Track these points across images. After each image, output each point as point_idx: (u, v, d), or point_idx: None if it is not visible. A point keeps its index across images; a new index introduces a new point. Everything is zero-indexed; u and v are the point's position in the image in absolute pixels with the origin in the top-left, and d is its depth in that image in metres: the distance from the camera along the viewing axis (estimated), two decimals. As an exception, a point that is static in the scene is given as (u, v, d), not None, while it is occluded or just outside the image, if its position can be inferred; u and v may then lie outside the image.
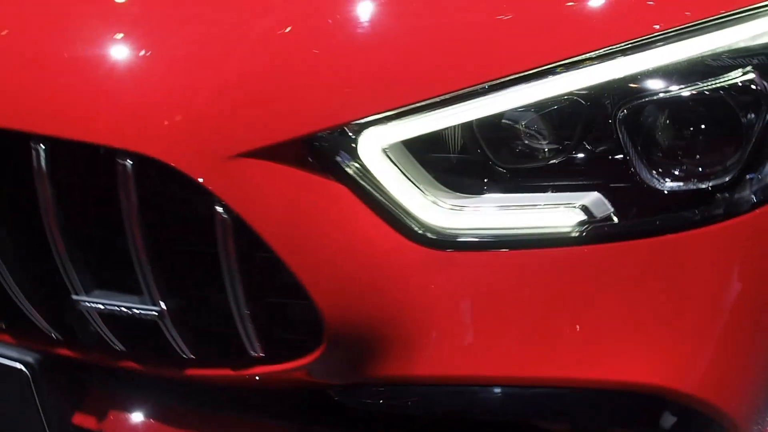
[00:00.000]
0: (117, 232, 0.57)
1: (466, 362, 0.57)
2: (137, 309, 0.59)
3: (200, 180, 0.51)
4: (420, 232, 0.54)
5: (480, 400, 0.58)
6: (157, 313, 0.59)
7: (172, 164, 0.51)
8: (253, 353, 0.61)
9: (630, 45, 0.53)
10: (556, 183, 0.56)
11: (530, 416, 0.59)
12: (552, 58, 0.53)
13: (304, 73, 0.53)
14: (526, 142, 0.55)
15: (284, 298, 0.59)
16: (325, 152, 0.53)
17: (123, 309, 0.60)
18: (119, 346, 0.65)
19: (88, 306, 0.61)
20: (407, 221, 0.54)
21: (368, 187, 0.54)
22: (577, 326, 0.56)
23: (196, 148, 0.52)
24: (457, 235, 0.55)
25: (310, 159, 0.53)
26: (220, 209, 0.53)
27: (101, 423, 0.72)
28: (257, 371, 0.62)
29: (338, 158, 0.53)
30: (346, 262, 0.54)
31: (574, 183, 0.55)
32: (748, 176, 0.54)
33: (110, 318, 0.63)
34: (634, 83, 0.53)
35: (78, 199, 0.58)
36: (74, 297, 0.61)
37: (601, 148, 0.54)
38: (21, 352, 0.70)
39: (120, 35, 0.57)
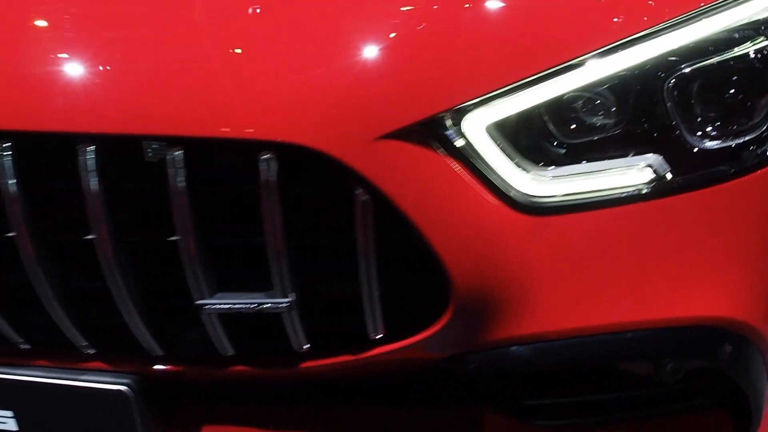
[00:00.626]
0: (251, 229, 0.60)
1: (569, 315, 0.65)
2: (267, 303, 0.62)
3: (348, 162, 0.56)
4: (520, 201, 0.62)
5: (586, 349, 0.66)
6: (287, 306, 0.62)
7: (323, 150, 0.56)
8: (373, 335, 0.65)
9: (670, 24, 0.64)
10: (620, 150, 0.66)
11: (623, 359, 0.68)
12: (612, 39, 0.63)
13: (428, 62, 0.60)
14: (593, 116, 0.65)
15: (414, 274, 0.64)
16: (441, 132, 0.60)
17: (251, 306, 0.63)
18: (230, 351, 0.67)
19: (215, 308, 0.63)
20: (509, 192, 0.62)
21: (475, 163, 0.61)
22: (655, 271, 0.66)
23: (343, 134, 0.57)
24: (550, 202, 0.64)
25: (430, 138, 0.60)
26: (360, 190, 0.58)
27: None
28: (375, 352, 0.66)
29: (451, 137, 0.60)
30: (467, 230, 0.61)
31: (635, 148, 0.66)
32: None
33: (225, 322, 0.65)
34: (675, 57, 0.64)
35: (210, 201, 0.60)
36: (199, 302, 0.62)
37: (653, 116, 0.65)
38: (115, 376, 0.70)
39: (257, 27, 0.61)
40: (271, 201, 0.58)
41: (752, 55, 0.65)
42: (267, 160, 0.57)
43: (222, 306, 0.63)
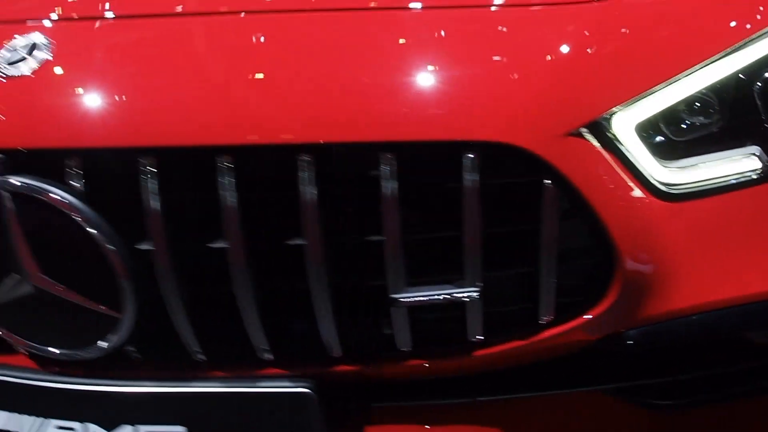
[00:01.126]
0: (442, 224, 0.66)
1: (709, 289, 0.74)
2: (457, 293, 0.67)
3: (542, 155, 0.64)
4: (662, 189, 0.71)
5: (730, 319, 0.75)
6: (477, 294, 0.67)
7: (523, 146, 0.63)
8: (545, 318, 0.72)
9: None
10: (731, 143, 0.76)
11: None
12: (722, 48, 0.74)
13: (595, 71, 0.69)
14: (705, 115, 0.75)
15: (585, 257, 0.71)
16: (602, 130, 0.69)
17: (442, 297, 0.68)
18: (409, 344, 0.72)
19: (409, 301, 0.67)
20: (653, 181, 0.71)
21: (629, 157, 0.70)
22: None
23: (538, 131, 0.64)
24: (682, 190, 0.73)
25: (597, 135, 0.68)
26: (549, 180, 0.65)
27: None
28: (545, 335, 0.72)
29: (609, 135, 0.69)
30: (628, 215, 0.69)
31: (742, 141, 0.76)
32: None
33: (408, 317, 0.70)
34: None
35: (409, 201, 0.66)
36: (394, 296, 0.67)
37: (750, 114, 0.76)
38: (294, 380, 0.73)
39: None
40: (472, 198, 0.64)
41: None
42: (471, 159, 0.64)
43: (415, 298, 0.68)
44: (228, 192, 0.64)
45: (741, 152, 0.75)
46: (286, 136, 0.64)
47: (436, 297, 0.68)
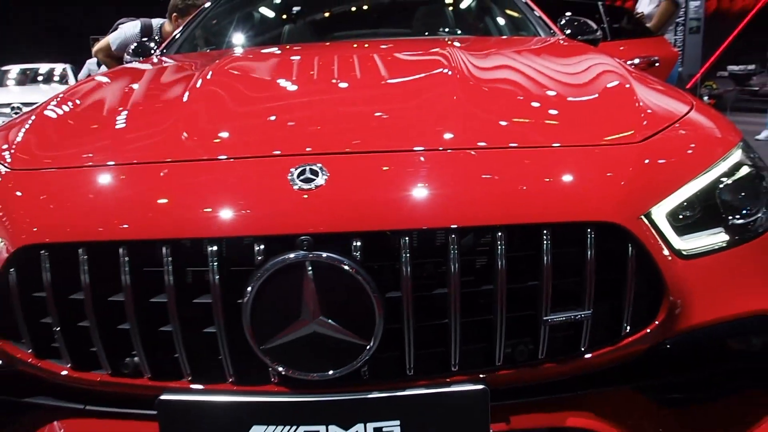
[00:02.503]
0: (574, 273, 1.10)
1: (717, 308, 1.21)
2: (581, 315, 1.10)
3: (631, 230, 1.10)
4: (680, 252, 1.19)
5: (722, 329, 1.22)
6: (590, 315, 1.10)
7: (622, 224, 1.09)
8: (624, 332, 1.15)
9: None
10: (705, 227, 1.25)
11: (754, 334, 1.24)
12: (701, 169, 1.26)
13: (647, 182, 1.17)
14: (689, 211, 1.25)
15: (645, 293, 1.16)
16: (650, 217, 1.16)
17: (577, 317, 1.10)
18: (543, 355, 1.13)
19: (553, 321, 1.09)
20: (675, 247, 1.18)
21: (663, 233, 1.17)
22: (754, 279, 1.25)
23: (631, 213, 1.10)
24: (690, 253, 1.21)
25: (647, 220, 1.15)
26: (632, 247, 1.11)
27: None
28: (626, 342, 1.14)
29: (653, 219, 1.16)
30: (668, 266, 1.16)
31: (711, 225, 1.26)
32: None
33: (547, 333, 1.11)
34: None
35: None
36: (545, 318, 1.08)
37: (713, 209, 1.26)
38: (473, 383, 1.11)
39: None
40: (591, 258, 1.09)
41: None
42: (590, 233, 1.09)
43: (557, 319, 1.10)
44: (452, 262, 1.04)
45: (713, 231, 1.25)
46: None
47: (569, 317, 1.10)
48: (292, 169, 1.11)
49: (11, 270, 1.13)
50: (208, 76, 1.65)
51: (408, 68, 1.78)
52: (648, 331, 1.16)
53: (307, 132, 1.28)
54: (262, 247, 1.04)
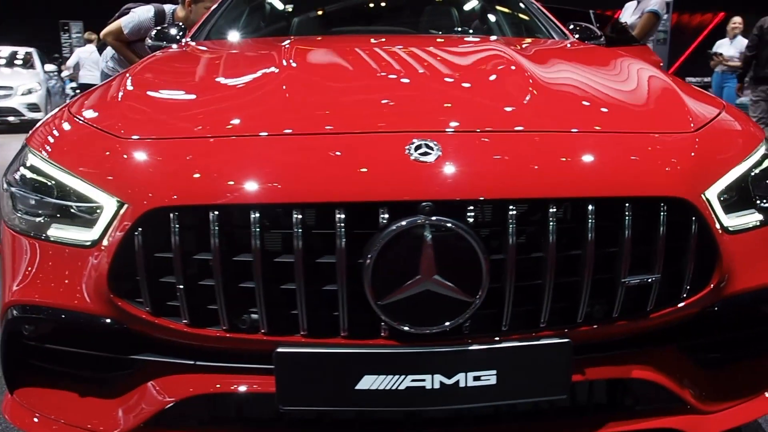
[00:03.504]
0: (645, 242, 1.26)
1: (753, 279, 1.39)
2: (651, 278, 1.26)
3: (696, 205, 1.26)
4: (728, 228, 1.35)
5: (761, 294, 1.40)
6: (658, 277, 1.27)
7: (689, 199, 1.25)
8: (685, 293, 1.31)
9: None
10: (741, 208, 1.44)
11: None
12: (740, 159, 1.45)
13: (706, 166, 1.34)
14: (730, 194, 1.43)
15: (701, 258, 1.33)
16: (707, 196, 1.33)
17: (647, 279, 1.25)
18: (617, 314, 1.28)
19: (630, 283, 1.24)
20: (724, 224, 1.34)
21: (716, 210, 1.34)
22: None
23: (694, 189, 1.27)
24: (734, 229, 1.38)
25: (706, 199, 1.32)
26: (694, 217, 1.27)
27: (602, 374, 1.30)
28: (686, 303, 1.31)
29: (708, 197, 1.33)
30: (720, 240, 1.33)
31: (746, 206, 1.44)
32: None
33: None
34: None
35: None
36: (623, 280, 1.24)
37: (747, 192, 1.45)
38: (559, 337, 1.26)
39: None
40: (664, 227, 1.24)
41: None
42: (662, 206, 1.24)
43: (632, 281, 1.25)
44: (551, 230, 1.18)
45: (748, 212, 1.43)
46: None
47: (643, 279, 1.26)
48: (409, 145, 1.23)
49: (136, 232, 1.21)
50: (292, 60, 1.76)
51: (475, 61, 1.91)
52: (703, 294, 1.33)
53: (416, 111, 1.41)
54: (385, 212, 1.15)
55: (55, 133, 1.51)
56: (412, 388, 1.21)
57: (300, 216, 1.16)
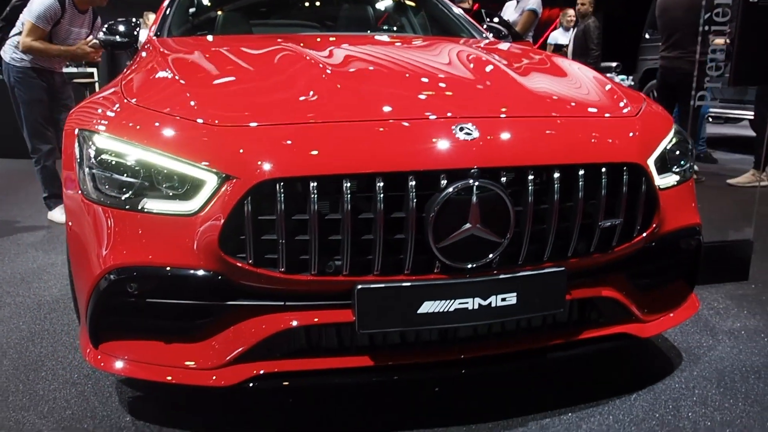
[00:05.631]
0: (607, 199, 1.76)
1: (672, 222, 1.95)
2: (615, 222, 1.77)
3: (645, 168, 1.77)
4: (660, 185, 1.91)
5: (678, 234, 1.96)
6: (618, 222, 1.78)
7: (640, 163, 1.76)
8: (636, 233, 1.84)
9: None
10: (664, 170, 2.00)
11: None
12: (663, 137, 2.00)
13: (647, 140, 1.87)
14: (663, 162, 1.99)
15: (647, 211, 1.86)
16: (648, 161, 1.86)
17: (614, 223, 1.76)
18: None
19: (606, 226, 1.74)
20: (657, 183, 1.90)
21: (653, 172, 1.88)
22: None
23: (642, 158, 1.77)
24: (662, 186, 1.93)
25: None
26: (644, 179, 1.79)
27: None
28: (635, 241, 1.84)
29: (649, 163, 1.87)
30: (658, 194, 1.87)
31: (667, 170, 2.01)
32: None
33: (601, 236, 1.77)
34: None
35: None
36: (600, 224, 1.74)
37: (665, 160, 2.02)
38: (557, 266, 1.73)
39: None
40: (625, 184, 1.75)
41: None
42: (624, 169, 1.74)
43: (607, 224, 1.75)
44: (555, 188, 1.65)
45: (667, 175, 1.98)
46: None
47: (612, 223, 1.75)
48: (454, 127, 1.64)
49: (246, 201, 1.53)
50: (322, 56, 2.13)
51: (462, 58, 2.33)
52: (648, 233, 1.85)
53: (449, 102, 1.81)
54: (444, 177, 1.56)
55: (137, 121, 1.75)
56: (459, 310, 1.63)
57: (381, 183, 1.53)
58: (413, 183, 1.55)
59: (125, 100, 1.87)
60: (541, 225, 1.69)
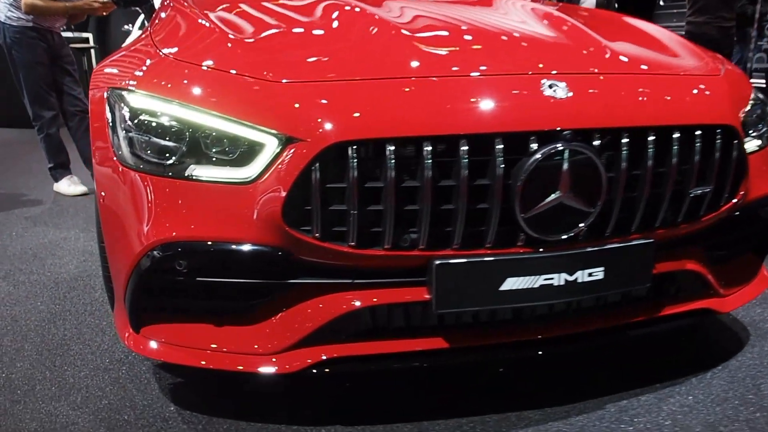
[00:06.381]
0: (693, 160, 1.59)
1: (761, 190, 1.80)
2: (705, 190, 1.61)
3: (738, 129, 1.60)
4: (747, 150, 1.75)
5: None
6: (709, 190, 1.62)
7: (733, 125, 1.59)
8: (723, 201, 1.68)
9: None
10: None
11: None
12: None
13: (733, 102, 1.70)
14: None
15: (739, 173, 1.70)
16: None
17: (705, 191, 1.60)
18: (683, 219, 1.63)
19: (695, 194, 1.58)
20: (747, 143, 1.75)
21: (740, 133, 1.72)
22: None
23: (737, 120, 1.61)
24: (749, 151, 1.77)
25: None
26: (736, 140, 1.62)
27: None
28: (722, 209, 1.68)
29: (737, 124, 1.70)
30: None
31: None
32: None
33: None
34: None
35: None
36: (690, 191, 1.57)
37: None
38: (646, 238, 1.57)
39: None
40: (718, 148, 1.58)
41: None
42: (718, 132, 1.58)
43: (698, 192, 1.59)
44: (649, 152, 1.48)
45: (749, 139, 1.81)
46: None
47: (703, 190, 1.59)
48: (542, 85, 1.46)
49: (313, 167, 1.35)
50: (390, 10, 1.94)
51: (537, 15, 2.11)
52: (735, 202, 1.70)
53: (540, 55, 1.63)
54: (534, 140, 1.39)
55: (178, 77, 1.56)
56: (544, 286, 1.48)
57: (465, 147, 1.36)
58: (500, 146, 1.38)
59: (161, 54, 1.67)
60: (631, 193, 1.53)
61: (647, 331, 1.72)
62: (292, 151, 1.37)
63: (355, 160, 1.35)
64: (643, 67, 1.69)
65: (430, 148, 1.36)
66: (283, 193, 1.37)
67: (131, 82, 1.59)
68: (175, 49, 1.69)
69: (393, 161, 1.35)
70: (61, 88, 4.04)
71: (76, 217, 3.63)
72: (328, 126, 1.36)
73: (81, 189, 4.13)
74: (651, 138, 1.48)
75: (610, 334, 1.69)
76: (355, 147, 1.35)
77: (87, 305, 2.40)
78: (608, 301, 1.67)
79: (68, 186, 4.13)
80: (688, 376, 1.86)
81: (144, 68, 1.66)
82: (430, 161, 1.36)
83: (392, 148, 1.35)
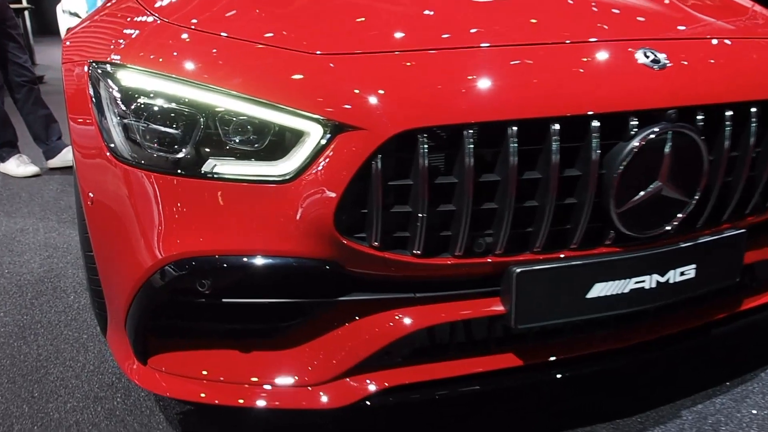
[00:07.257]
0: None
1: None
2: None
3: None
4: None
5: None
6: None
7: None
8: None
9: None
10: None
11: None
12: None
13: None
14: None
15: None
16: None
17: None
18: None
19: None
20: None
21: None
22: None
23: None
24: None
25: None
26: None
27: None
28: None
29: None
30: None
31: None
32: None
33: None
34: None
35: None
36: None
37: None
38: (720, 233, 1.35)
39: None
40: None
41: None
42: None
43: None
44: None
45: None
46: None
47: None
48: (638, 54, 1.21)
49: (375, 161, 1.08)
50: None
51: None
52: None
53: (627, 23, 1.37)
54: (635, 120, 1.15)
55: (187, 49, 1.24)
56: (635, 290, 1.26)
57: (557, 130, 1.11)
58: (596, 125, 1.13)
59: (157, 20, 1.35)
60: (728, 178, 1.32)
61: (730, 328, 1.53)
62: (345, 141, 1.09)
63: (426, 152, 1.08)
64: (743, 32, 1.45)
65: (515, 131, 1.10)
66: (336, 195, 1.09)
67: (120, 55, 1.26)
68: (176, 12, 1.36)
69: (472, 151, 1.09)
70: (5, 56, 3.57)
71: (31, 203, 3.23)
72: (392, 111, 1.08)
73: (32, 169, 3.69)
74: (753, 110, 1.26)
75: (696, 335, 1.49)
76: (425, 135, 1.08)
77: (60, 314, 2.08)
78: (693, 299, 1.47)
79: (17, 166, 3.69)
80: (756, 371, 1.70)
81: (135, 37, 1.33)
82: (516, 148, 1.10)
83: (471, 134, 1.09)
